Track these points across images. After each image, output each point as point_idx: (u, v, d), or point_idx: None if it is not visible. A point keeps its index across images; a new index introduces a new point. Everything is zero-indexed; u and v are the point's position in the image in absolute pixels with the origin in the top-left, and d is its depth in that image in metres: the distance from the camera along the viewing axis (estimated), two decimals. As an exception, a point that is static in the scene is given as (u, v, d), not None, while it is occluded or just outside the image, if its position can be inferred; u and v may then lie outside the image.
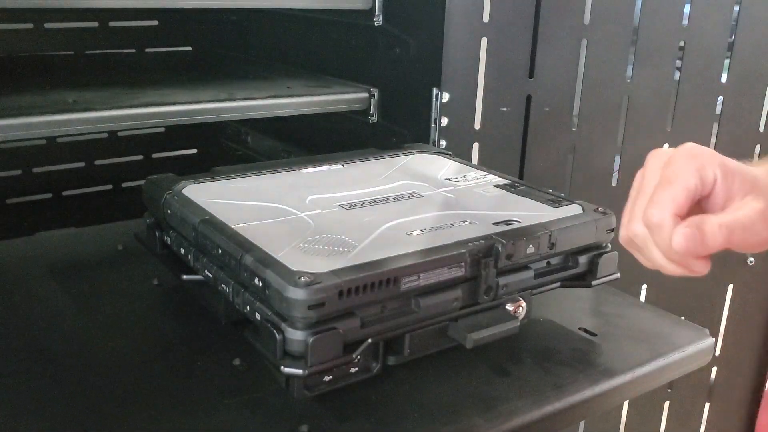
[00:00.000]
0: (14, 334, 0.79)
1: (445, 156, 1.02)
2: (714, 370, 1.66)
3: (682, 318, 0.89)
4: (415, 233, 0.74)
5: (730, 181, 0.63)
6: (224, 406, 0.68)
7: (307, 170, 0.93)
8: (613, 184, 1.37)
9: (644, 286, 1.48)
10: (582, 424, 1.46)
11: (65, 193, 1.57)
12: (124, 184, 1.63)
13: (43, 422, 0.65)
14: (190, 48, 1.64)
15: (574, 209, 0.82)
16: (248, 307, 0.68)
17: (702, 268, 0.64)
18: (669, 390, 1.61)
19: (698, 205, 0.64)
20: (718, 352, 1.64)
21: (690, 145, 0.65)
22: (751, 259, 1.60)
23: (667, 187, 0.62)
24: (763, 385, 1.74)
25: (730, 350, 1.66)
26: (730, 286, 1.62)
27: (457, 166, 0.98)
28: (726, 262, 1.59)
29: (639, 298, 1.45)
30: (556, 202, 0.84)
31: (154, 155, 1.66)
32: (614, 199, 1.34)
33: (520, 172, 1.24)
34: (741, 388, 1.73)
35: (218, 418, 0.66)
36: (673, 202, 0.62)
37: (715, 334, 1.61)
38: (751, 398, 1.75)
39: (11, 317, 0.83)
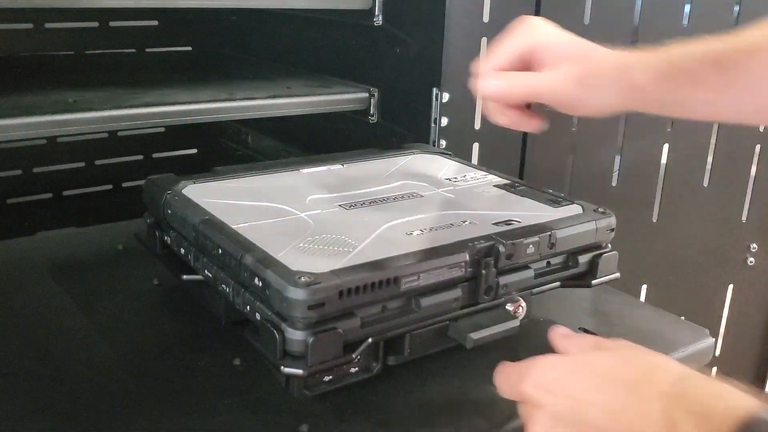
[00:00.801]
0: (14, 334, 0.79)
1: (445, 156, 1.02)
2: (714, 370, 1.66)
3: (682, 318, 0.89)
4: (415, 233, 0.74)
5: (554, 48, 0.72)
6: (224, 405, 0.68)
7: (307, 170, 0.93)
8: (613, 184, 1.38)
9: (644, 286, 1.48)
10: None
11: (65, 193, 1.57)
12: (124, 184, 1.62)
13: (43, 422, 0.65)
14: (190, 48, 1.64)
15: (574, 209, 0.82)
16: (248, 307, 0.68)
17: (526, 124, 0.75)
18: (669, 390, 1.61)
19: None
20: (718, 352, 1.64)
21: (527, 17, 0.76)
22: (751, 259, 1.60)
23: (496, 46, 0.74)
24: (764, 385, 1.74)
25: (730, 350, 1.66)
26: (730, 286, 1.62)
27: (457, 166, 0.98)
28: (726, 262, 1.59)
29: (639, 298, 1.45)
30: (556, 202, 0.84)
31: (154, 155, 1.66)
32: (614, 199, 1.34)
33: (520, 172, 1.24)
34: (741, 388, 1.73)
35: (218, 417, 0.67)
36: (495, 58, 0.73)
37: (715, 334, 1.61)
38: (751, 398, 1.75)
39: (11, 317, 0.83)
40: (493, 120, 0.77)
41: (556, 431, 0.55)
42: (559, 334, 0.65)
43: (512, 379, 0.60)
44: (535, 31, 0.74)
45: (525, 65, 0.73)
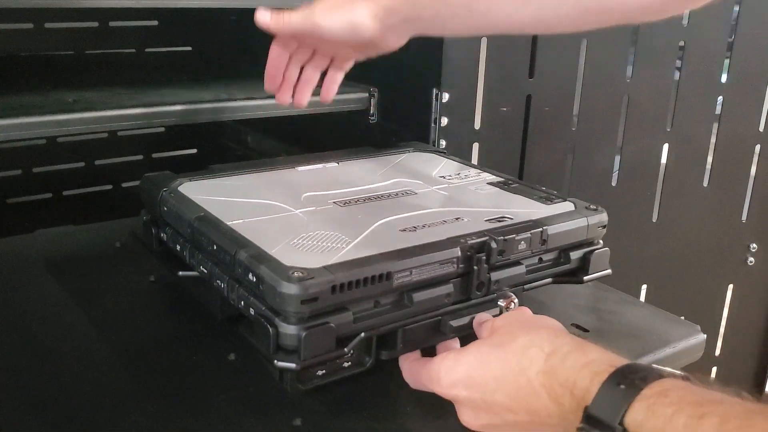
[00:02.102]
0: (12, 330, 0.80)
1: (440, 154, 1.02)
2: (714, 370, 1.66)
3: (682, 318, 0.89)
4: (408, 230, 0.74)
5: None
6: (219, 400, 0.69)
7: (302, 168, 0.94)
8: (613, 184, 1.38)
9: (644, 286, 1.48)
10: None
11: (65, 192, 1.57)
12: (123, 184, 1.63)
13: (40, 417, 0.66)
14: (190, 48, 1.64)
15: (566, 206, 0.82)
16: (243, 303, 0.68)
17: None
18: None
19: None
20: (718, 352, 1.64)
21: None
22: (751, 259, 1.60)
23: None
24: (763, 385, 1.74)
25: (730, 350, 1.66)
26: (730, 286, 1.62)
27: (451, 164, 0.98)
28: (726, 262, 1.59)
29: (639, 298, 1.45)
30: (548, 200, 0.84)
31: (154, 155, 1.66)
32: (614, 199, 1.35)
33: (520, 172, 1.25)
34: (741, 388, 1.73)
35: (213, 412, 0.67)
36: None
37: (715, 334, 1.62)
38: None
39: (9, 313, 0.84)
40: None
41: (479, 419, 0.61)
42: (476, 322, 0.70)
43: (424, 380, 0.65)
44: None
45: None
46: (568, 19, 0.82)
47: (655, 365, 0.52)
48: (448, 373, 0.62)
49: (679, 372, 0.51)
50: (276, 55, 0.94)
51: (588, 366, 0.53)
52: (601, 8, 0.79)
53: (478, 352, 0.61)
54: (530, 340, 0.58)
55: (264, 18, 0.90)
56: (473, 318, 0.71)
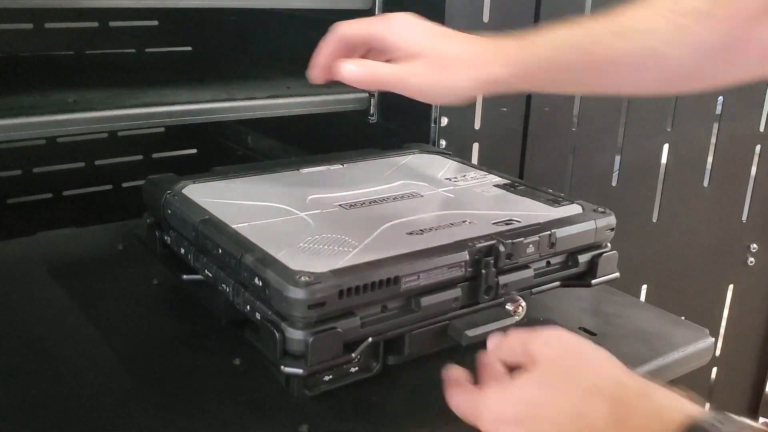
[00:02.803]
0: (14, 333, 0.79)
1: (445, 156, 1.02)
2: (714, 370, 1.66)
3: (683, 318, 0.89)
4: (415, 233, 0.74)
5: (405, 41, 0.75)
6: (224, 405, 0.68)
7: (307, 170, 0.93)
8: (613, 184, 1.38)
9: (644, 286, 1.48)
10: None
11: (65, 193, 1.57)
12: (124, 184, 1.63)
13: (43, 420, 0.66)
14: (190, 48, 1.64)
15: (574, 209, 0.82)
16: (248, 307, 0.68)
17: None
18: (669, 390, 1.61)
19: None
20: (718, 352, 1.64)
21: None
22: (751, 259, 1.60)
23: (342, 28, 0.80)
24: (763, 385, 1.74)
25: (730, 350, 1.66)
26: (730, 286, 1.62)
27: (456, 165, 0.98)
28: (726, 262, 1.59)
29: (639, 298, 1.45)
30: (556, 202, 0.84)
31: (154, 155, 1.66)
32: (614, 199, 1.34)
33: (520, 172, 1.24)
34: (741, 388, 1.73)
35: (218, 417, 0.67)
36: (326, 45, 0.79)
37: (715, 334, 1.61)
38: (751, 398, 1.75)
39: (11, 316, 0.83)
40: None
41: None
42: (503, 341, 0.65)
43: (468, 409, 0.62)
44: (390, 23, 0.77)
45: (366, 50, 0.80)
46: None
47: (734, 416, 0.50)
48: (498, 408, 0.59)
49: (759, 425, 0.49)
50: (331, 51, 0.81)
51: (659, 416, 0.51)
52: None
53: (524, 395, 0.59)
54: (593, 383, 0.56)
55: (350, 69, 0.77)
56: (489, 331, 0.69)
